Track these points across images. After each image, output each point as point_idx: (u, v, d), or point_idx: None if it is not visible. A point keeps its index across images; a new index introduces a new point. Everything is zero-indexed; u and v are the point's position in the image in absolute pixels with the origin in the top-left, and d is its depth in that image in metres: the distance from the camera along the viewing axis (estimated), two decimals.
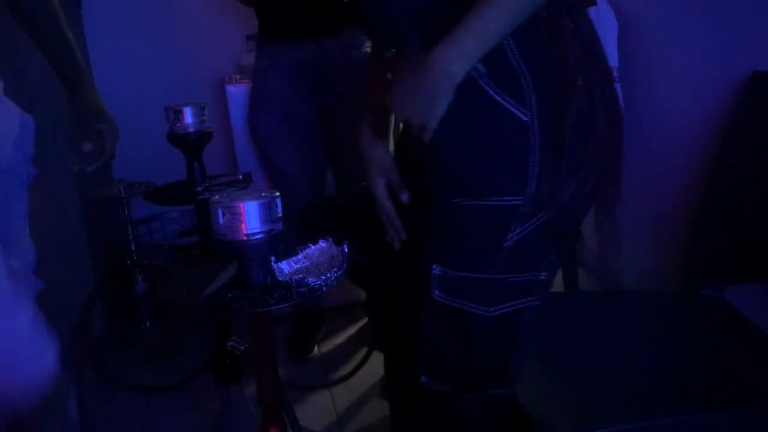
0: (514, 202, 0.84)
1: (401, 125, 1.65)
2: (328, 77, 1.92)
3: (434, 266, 0.88)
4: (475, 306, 0.87)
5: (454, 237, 0.89)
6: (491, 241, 0.86)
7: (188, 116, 1.41)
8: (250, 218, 0.89)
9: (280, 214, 0.92)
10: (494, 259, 0.86)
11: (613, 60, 1.54)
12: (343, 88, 1.93)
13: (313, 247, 1.00)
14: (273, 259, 0.92)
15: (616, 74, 1.51)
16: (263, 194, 0.91)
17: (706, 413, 0.88)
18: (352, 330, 2.25)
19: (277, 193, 0.92)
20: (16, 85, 1.91)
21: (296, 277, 0.92)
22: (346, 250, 0.99)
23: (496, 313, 0.87)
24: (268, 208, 0.90)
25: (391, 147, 1.15)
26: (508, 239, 0.85)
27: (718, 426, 0.89)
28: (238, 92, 2.18)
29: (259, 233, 0.89)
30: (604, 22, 1.54)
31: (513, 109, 0.83)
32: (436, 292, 0.87)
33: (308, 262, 0.98)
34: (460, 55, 0.82)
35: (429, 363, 0.93)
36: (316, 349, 2.14)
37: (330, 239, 1.01)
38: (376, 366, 1.98)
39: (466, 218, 0.87)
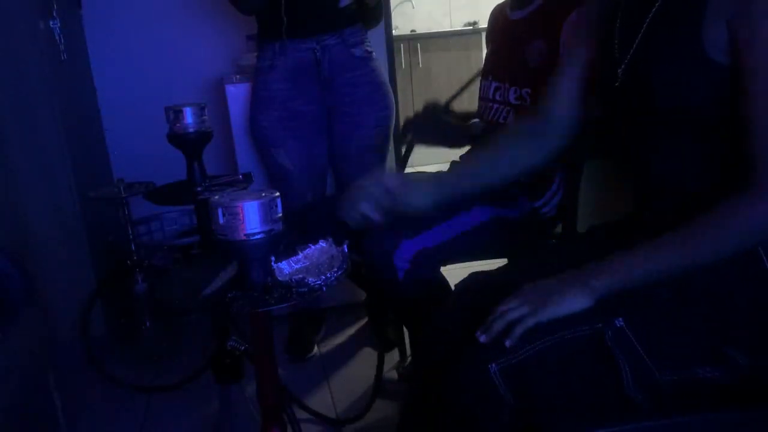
0: (738, 360, 0.84)
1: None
2: (330, 76, 1.93)
3: (618, 319, 0.86)
4: (629, 374, 0.85)
5: (663, 327, 0.87)
6: (689, 348, 0.86)
7: (188, 116, 1.41)
8: (250, 218, 0.89)
9: (280, 214, 0.92)
10: (679, 363, 0.86)
11: None
12: (345, 87, 1.94)
13: (313, 247, 1.00)
14: (273, 259, 0.92)
15: None
16: (263, 194, 0.91)
17: (706, 414, 0.88)
18: (352, 330, 2.25)
19: (277, 193, 0.92)
20: (19, 89, 1.92)
21: (296, 277, 0.92)
22: (346, 250, 0.99)
23: (635, 395, 0.87)
24: (268, 208, 0.90)
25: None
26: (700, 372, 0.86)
27: (718, 426, 0.89)
28: (238, 92, 2.17)
29: (259, 233, 0.89)
30: None
31: None
32: (609, 334, 0.85)
33: (308, 262, 0.97)
34: (609, 281, 0.87)
35: (520, 371, 0.87)
36: (316, 349, 2.14)
37: (330, 239, 1.01)
38: (376, 366, 1.98)
39: (681, 331, 0.87)
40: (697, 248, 0.84)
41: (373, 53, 1.99)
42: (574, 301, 0.86)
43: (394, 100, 2.07)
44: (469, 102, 1.94)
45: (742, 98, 0.84)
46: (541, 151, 1.15)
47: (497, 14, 1.63)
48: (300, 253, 0.98)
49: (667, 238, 0.86)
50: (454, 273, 1.27)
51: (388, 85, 2.04)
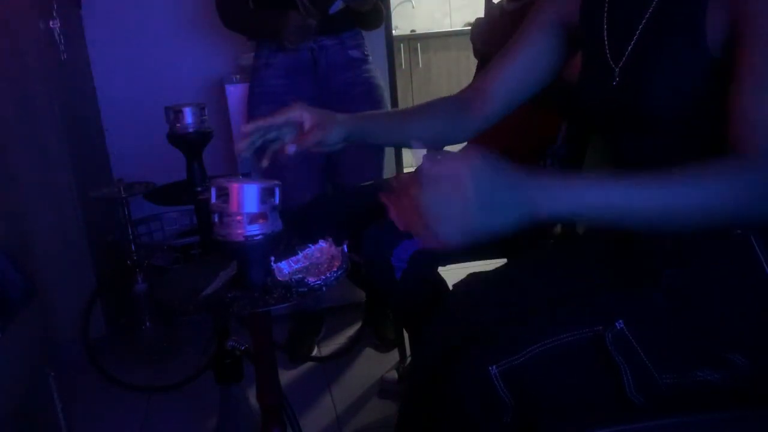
0: (738, 362, 0.84)
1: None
2: (326, 75, 1.93)
3: (618, 321, 0.85)
4: (630, 376, 0.85)
5: (663, 330, 0.86)
6: (689, 355, 0.85)
7: (188, 116, 1.41)
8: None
9: (278, 203, 0.92)
10: (676, 366, 0.85)
11: None
12: (340, 86, 1.94)
13: (313, 247, 1.00)
14: (272, 259, 0.92)
15: None
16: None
17: (706, 414, 0.88)
18: (352, 330, 2.25)
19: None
20: (19, 89, 1.92)
21: (296, 277, 0.92)
22: (346, 250, 0.99)
23: (635, 398, 0.86)
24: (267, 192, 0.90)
25: None
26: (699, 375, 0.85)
27: (719, 427, 0.89)
28: (238, 92, 2.18)
29: (258, 234, 0.89)
30: None
31: None
32: (609, 336, 0.84)
33: (308, 262, 0.97)
34: (565, 202, 0.70)
35: (520, 373, 0.86)
36: (316, 349, 2.14)
37: (330, 239, 1.01)
38: (376, 366, 1.99)
39: (681, 333, 0.86)
40: (671, 196, 0.72)
41: (370, 57, 2.00)
42: (509, 223, 0.71)
43: (389, 104, 2.08)
44: None
45: (739, 59, 0.78)
46: (458, 128, 1.12)
47: (495, 7, 1.68)
48: (300, 253, 0.98)
49: (646, 176, 0.73)
50: (454, 273, 1.27)
51: (383, 88, 2.05)
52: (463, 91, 1.16)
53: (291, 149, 0.98)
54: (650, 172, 0.73)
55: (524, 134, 1.55)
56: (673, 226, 0.74)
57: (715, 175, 0.72)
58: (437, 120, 1.12)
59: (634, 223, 0.73)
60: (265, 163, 1.02)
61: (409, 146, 1.08)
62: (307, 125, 1.00)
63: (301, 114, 1.00)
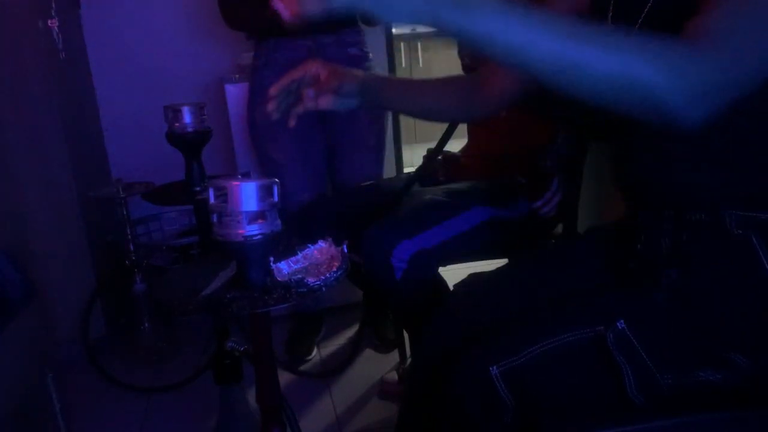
0: (739, 362, 0.83)
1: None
2: None
3: (620, 321, 0.84)
4: (631, 376, 0.84)
5: (664, 330, 0.86)
6: (690, 360, 0.84)
7: (187, 116, 1.40)
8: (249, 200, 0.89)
9: (277, 201, 0.92)
10: (679, 368, 0.84)
11: None
12: None
13: (312, 247, 1.00)
14: (272, 259, 0.92)
15: None
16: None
17: (707, 415, 0.88)
18: (351, 330, 2.24)
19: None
20: (18, 89, 1.92)
21: (295, 277, 0.92)
22: (346, 250, 0.99)
23: (636, 398, 0.86)
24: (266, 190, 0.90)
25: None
26: (700, 375, 0.84)
27: (719, 427, 0.89)
28: (237, 92, 2.17)
29: (257, 234, 0.89)
30: None
31: None
32: (611, 336, 0.84)
33: (307, 262, 0.97)
34: (470, 22, 0.67)
35: (521, 374, 0.86)
36: (315, 350, 2.13)
37: (330, 239, 1.01)
38: (376, 366, 1.98)
39: (682, 333, 0.85)
40: (580, 43, 0.67)
41: (370, 54, 1.99)
42: (400, 10, 0.71)
43: None
44: None
45: None
46: (474, 105, 1.12)
47: None
48: (299, 253, 0.98)
49: (567, 21, 0.69)
50: (454, 273, 1.27)
51: None
52: (479, 71, 1.15)
53: (310, 93, 1.03)
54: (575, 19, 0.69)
55: (524, 134, 1.55)
56: (577, 81, 0.69)
57: (643, 44, 0.68)
58: (453, 96, 1.12)
59: (541, 66, 0.69)
60: (292, 123, 1.07)
61: (420, 117, 1.10)
62: (323, 76, 1.05)
63: (317, 68, 1.05)
